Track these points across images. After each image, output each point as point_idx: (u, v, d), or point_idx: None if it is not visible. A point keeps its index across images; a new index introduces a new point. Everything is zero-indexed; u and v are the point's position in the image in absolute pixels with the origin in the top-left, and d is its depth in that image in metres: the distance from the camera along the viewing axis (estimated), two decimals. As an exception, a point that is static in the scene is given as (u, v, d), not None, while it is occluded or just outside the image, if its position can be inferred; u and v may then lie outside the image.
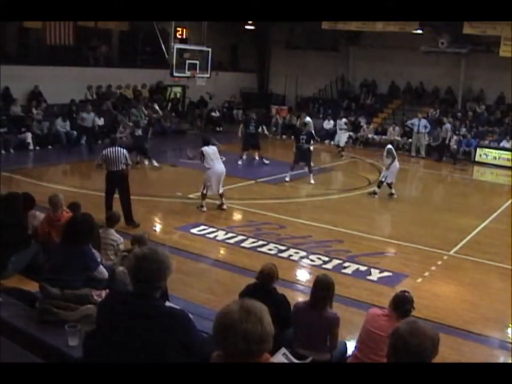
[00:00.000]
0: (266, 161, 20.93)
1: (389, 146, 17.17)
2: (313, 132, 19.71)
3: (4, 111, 20.66)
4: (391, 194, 16.75)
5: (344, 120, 25.25)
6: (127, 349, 3.44)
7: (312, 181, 17.75)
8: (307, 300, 6.34)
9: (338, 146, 24.89)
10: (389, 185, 16.67)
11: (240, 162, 20.21)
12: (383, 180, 16.67)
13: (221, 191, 14.04)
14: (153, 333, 3.45)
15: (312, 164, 18.13)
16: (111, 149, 12.18)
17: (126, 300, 3.65)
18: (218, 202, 14.19)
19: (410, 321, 3.02)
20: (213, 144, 14.22)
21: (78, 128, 22.05)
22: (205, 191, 13.90)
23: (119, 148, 12.23)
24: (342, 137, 24.82)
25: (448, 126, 25.07)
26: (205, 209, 13.92)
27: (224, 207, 14.16)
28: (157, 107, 23.10)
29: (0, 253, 6.43)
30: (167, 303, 3.78)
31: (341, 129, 24.94)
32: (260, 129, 21.60)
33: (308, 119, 22.15)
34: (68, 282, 5.35)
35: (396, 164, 16.62)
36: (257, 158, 21.26)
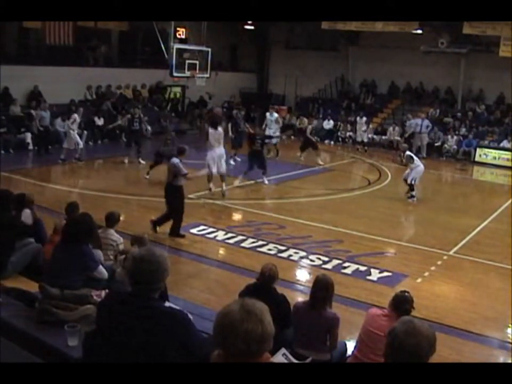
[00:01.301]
0: (238, 159, 20.63)
1: (407, 153, 17.10)
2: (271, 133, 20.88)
3: (3, 111, 20.64)
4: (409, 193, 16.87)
5: (364, 118, 26.96)
6: (127, 349, 3.44)
7: (266, 182, 17.60)
8: (307, 300, 6.33)
9: (360, 143, 26.76)
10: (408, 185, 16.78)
11: (233, 162, 19.97)
12: (413, 182, 16.56)
13: (222, 170, 14.99)
14: (153, 333, 3.45)
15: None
16: (172, 160, 12.03)
17: (125, 300, 3.65)
18: (219, 188, 14.99)
19: (406, 320, 3.00)
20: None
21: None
22: (208, 173, 14.70)
23: (174, 160, 11.88)
24: (364, 133, 26.78)
25: (412, 121, 25.66)
26: (213, 189, 14.84)
27: (226, 193, 14.90)
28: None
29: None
30: (167, 303, 3.78)
31: (364, 129, 26.77)
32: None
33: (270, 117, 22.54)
34: (67, 283, 5.35)
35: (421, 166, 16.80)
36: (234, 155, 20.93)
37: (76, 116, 19.27)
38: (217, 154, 14.91)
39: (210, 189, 14.88)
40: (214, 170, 14.87)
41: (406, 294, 5.90)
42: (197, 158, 15.85)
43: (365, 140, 26.69)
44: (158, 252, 3.77)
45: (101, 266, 6.24)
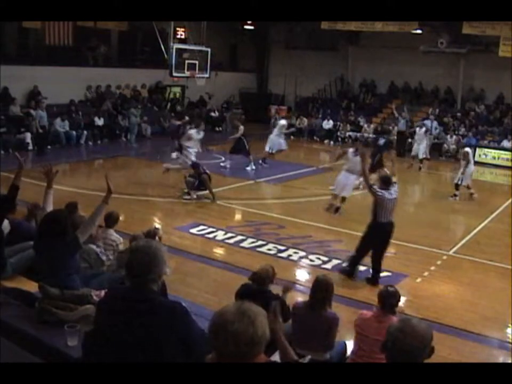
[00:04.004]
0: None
1: (466, 149, 17.82)
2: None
3: (3, 111, 20.66)
4: (472, 194, 17.35)
5: (424, 129, 22.44)
6: (126, 345, 3.43)
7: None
8: (306, 300, 6.33)
9: (414, 157, 22.05)
10: (467, 187, 17.31)
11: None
12: (458, 182, 17.16)
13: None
14: (151, 328, 3.44)
15: None
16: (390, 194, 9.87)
17: (123, 295, 3.65)
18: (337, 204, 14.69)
19: (404, 319, 3.04)
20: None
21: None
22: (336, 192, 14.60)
23: (394, 192, 9.97)
24: (421, 147, 21.87)
25: (403, 121, 25.10)
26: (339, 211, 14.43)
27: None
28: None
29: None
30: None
31: (420, 139, 22.00)
32: None
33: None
34: (64, 280, 5.31)
35: (471, 167, 17.26)
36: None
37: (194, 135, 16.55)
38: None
39: (335, 207, 14.59)
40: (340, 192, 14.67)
41: (389, 288, 5.93)
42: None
43: (420, 156, 21.80)
44: (155, 244, 3.79)
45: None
